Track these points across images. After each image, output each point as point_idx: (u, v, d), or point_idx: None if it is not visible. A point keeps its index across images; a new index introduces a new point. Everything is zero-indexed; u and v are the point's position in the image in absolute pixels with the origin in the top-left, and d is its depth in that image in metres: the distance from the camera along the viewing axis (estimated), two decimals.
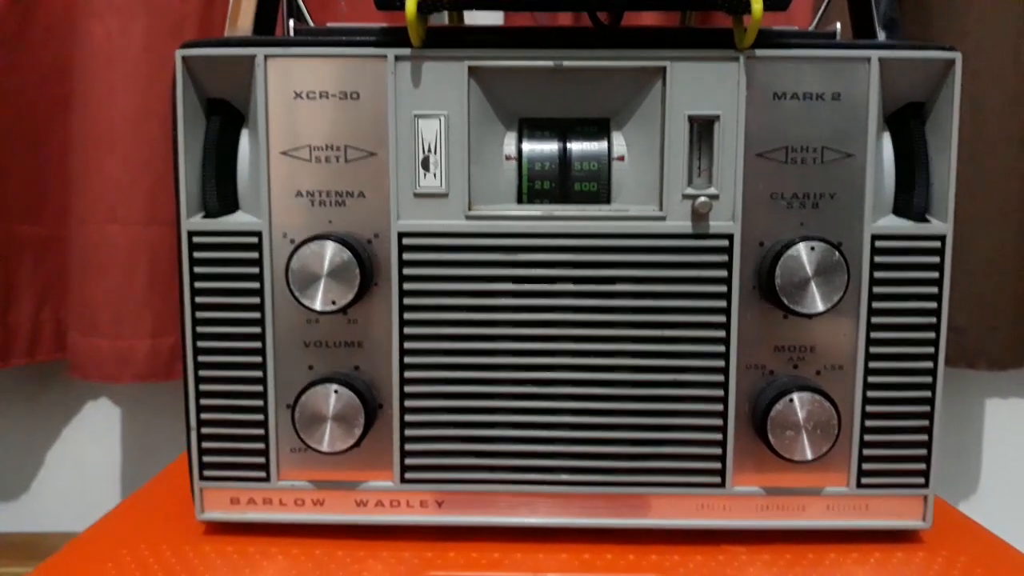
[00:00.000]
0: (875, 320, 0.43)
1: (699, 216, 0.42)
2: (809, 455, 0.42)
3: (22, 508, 0.92)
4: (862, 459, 0.44)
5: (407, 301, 0.43)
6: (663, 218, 0.42)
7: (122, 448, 0.91)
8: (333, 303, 0.41)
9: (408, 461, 0.44)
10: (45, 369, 0.86)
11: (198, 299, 0.43)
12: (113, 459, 0.91)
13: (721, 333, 0.43)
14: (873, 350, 0.43)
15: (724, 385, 0.43)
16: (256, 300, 0.43)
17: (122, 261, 0.76)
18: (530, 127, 0.43)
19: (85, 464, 0.91)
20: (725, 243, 0.42)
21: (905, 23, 0.79)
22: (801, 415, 0.42)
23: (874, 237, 0.42)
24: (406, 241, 0.42)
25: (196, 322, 0.43)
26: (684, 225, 0.42)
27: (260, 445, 0.44)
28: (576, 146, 0.43)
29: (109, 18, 0.74)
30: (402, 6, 0.39)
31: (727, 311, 0.42)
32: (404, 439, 0.44)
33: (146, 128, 0.74)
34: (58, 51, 0.79)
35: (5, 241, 0.79)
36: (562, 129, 0.43)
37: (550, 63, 0.41)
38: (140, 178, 0.75)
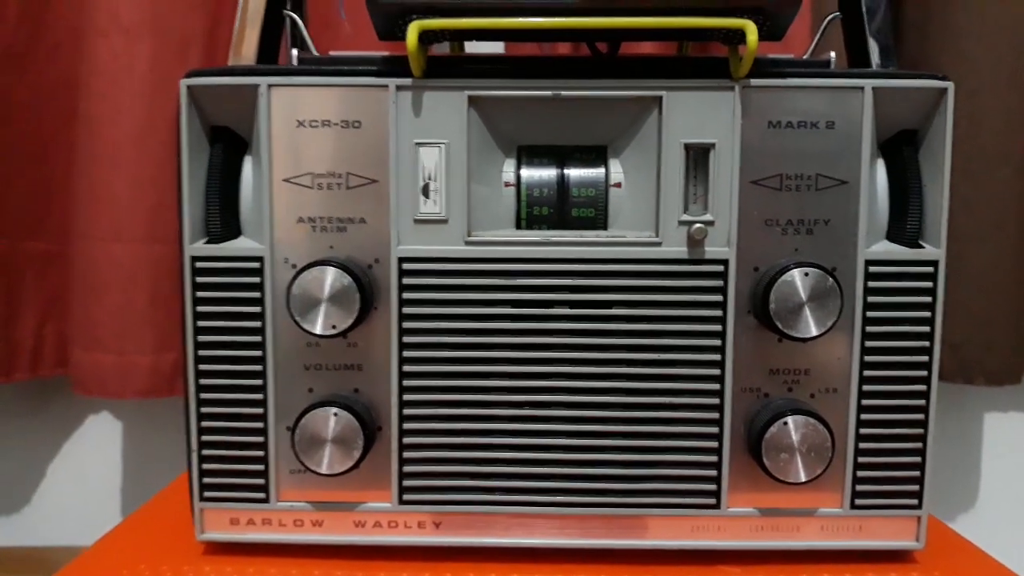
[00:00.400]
0: (869, 344, 0.43)
1: (695, 242, 0.42)
2: (803, 477, 0.42)
3: (24, 522, 0.92)
4: (856, 480, 0.44)
5: (407, 325, 0.43)
6: (659, 244, 0.43)
7: (124, 462, 0.92)
8: (333, 327, 0.41)
9: (406, 483, 0.44)
10: (47, 384, 0.87)
11: (200, 323, 0.43)
12: (115, 473, 0.92)
13: (716, 357, 0.43)
14: (867, 373, 0.43)
15: (719, 408, 0.43)
16: (257, 324, 0.43)
17: (125, 278, 0.76)
18: (529, 154, 0.44)
19: (87, 478, 0.91)
20: (720, 268, 0.43)
21: (904, 45, 0.80)
22: (795, 438, 0.42)
23: (868, 263, 0.43)
24: (406, 266, 0.43)
25: (198, 345, 0.43)
26: (680, 251, 0.43)
27: (260, 466, 0.44)
28: (574, 173, 0.44)
29: (115, 37, 0.74)
30: (403, 37, 0.39)
31: (722, 335, 0.43)
32: (402, 461, 0.44)
33: (150, 147, 0.75)
34: (64, 69, 0.79)
35: (9, 257, 0.80)
36: (560, 156, 0.44)
37: (548, 93, 0.42)
38: (143, 196, 0.76)
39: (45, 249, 0.82)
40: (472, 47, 0.55)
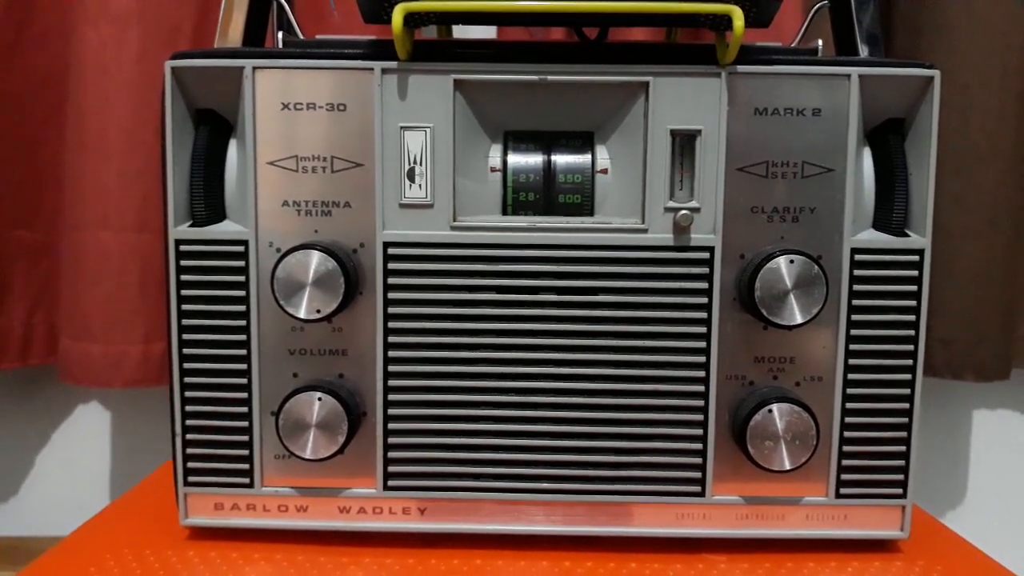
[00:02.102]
0: (854, 332, 0.43)
1: (681, 229, 0.42)
2: (788, 465, 0.42)
3: (12, 512, 0.92)
4: (841, 469, 0.44)
5: (391, 310, 0.43)
6: (645, 230, 0.43)
7: (112, 452, 0.91)
8: (318, 312, 0.41)
9: (391, 468, 0.44)
10: (37, 373, 0.87)
11: (184, 307, 0.43)
12: (104, 463, 0.91)
13: (701, 344, 0.43)
14: (852, 362, 0.43)
15: (704, 395, 0.43)
16: (242, 308, 0.43)
17: (114, 267, 0.76)
18: (515, 139, 0.44)
19: (76, 468, 0.91)
20: (706, 255, 0.43)
21: (895, 40, 0.80)
22: (780, 426, 0.42)
23: (853, 251, 0.43)
24: (391, 251, 0.43)
25: (182, 329, 0.43)
26: (666, 237, 0.43)
27: (244, 451, 0.44)
28: (560, 159, 0.43)
29: (103, 26, 0.74)
30: (389, 20, 0.39)
31: (708, 322, 0.43)
32: (387, 447, 0.44)
33: (139, 136, 0.75)
34: (53, 58, 0.79)
35: None
36: (547, 142, 0.44)
37: (534, 77, 0.42)
38: (133, 185, 0.75)
39: (35, 239, 0.81)
40: (463, 32, 0.55)
